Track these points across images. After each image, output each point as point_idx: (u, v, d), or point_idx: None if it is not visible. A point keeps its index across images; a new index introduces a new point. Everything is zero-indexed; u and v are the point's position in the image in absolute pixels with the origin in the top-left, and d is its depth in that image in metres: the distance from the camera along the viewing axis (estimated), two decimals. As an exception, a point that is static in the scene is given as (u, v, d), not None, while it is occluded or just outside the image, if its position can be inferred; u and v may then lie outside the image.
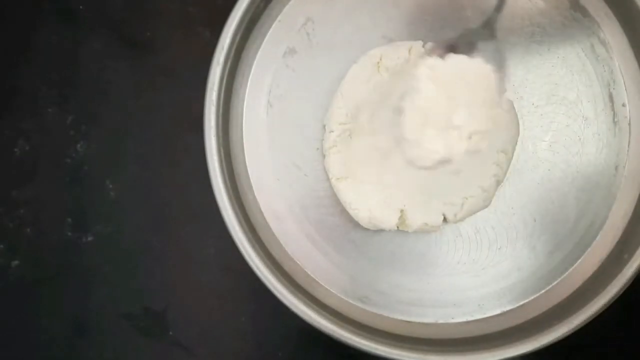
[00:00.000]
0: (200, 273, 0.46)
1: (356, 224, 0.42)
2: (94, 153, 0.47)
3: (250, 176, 0.43)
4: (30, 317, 0.46)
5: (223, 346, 0.46)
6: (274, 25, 0.44)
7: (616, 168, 0.43)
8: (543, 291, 0.42)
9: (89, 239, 0.46)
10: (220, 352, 0.46)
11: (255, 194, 0.43)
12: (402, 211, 0.41)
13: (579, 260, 0.42)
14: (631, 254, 0.39)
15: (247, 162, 0.43)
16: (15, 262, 0.46)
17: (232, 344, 0.46)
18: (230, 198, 0.39)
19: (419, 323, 0.42)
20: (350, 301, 0.42)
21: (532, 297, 0.42)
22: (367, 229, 0.42)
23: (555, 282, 0.42)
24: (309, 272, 0.42)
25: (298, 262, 0.43)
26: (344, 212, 0.42)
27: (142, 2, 0.48)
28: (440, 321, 0.42)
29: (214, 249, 0.46)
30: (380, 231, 0.42)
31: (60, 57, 0.47)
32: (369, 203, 0.41)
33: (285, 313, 0.39)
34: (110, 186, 0.47)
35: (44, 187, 0.47)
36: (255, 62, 0.44)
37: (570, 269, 0.42)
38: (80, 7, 0.48)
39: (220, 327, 0.46)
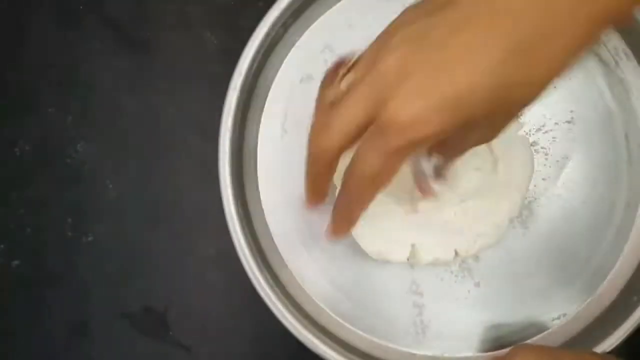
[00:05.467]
0: (200, 273, 0.46)
1: (366, 255, 0.41)
2: (94, 153, 0.47)
3: (262, 202, 0.43)
4: (31, 317, 0.46)
5: (223, 346, 0.46)
6: (291, 52, 0.44)
7: (628, 207, 0.42)
8: (547, 332, 0.42)
9: (89, 239, 0.46)
10: (221, 352, 0.46)
11: (267, 219, 0.43)
12: (413, 246, 0.41)
13: (588, 301, 0.42)
14: None
15: (259, 188, 0.43)
16: (16, 262, 0.46)
17: (233, 344, 0.46)
18: (241, 222, 0.39)
19: (424, 356, 0.42)
20: (356, 330, 0.42)
21: (538, 337, 0.41)
22: (376, 261, 0.41)
23: (561, 323, 0.42)
24: (317, 300, 0.42)
25: (307, 290, 0.42)
26: (354, 243, 0.41)
27: (141, 3, 0.47)
28: (446, 354, 0.42)
29: (214, 249, 0.46)
30: (389, 263, 0.42)
31: (60, 57, 0.47)
32: (380, 236, 0.40)
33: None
34: (111, 186, 0.47)
35: (44, 187, 0.47)
36: (272, 87, 0.43)
37: (579, 309, 0.42)
38: (80, 7, 0.48)
39: (221, 327, 0.46)
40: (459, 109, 0.24)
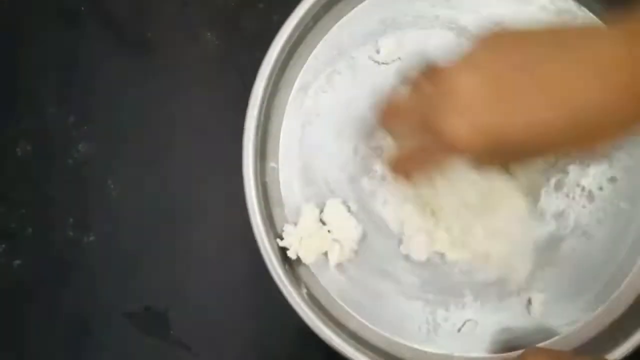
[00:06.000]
0: (201, 272, 0.46)
1: (380, 250, 0.42)
2: (95, 153, 0.47)
3: (283, 197, 0.43)
4: (32, 317, 0.46)
5: (224, 345, 0.46)
6: (319, 45, 0.44)
7: None
8: (556, 338, 0.41)
9: (91, 238, 0.47)
10: (222, 351, 0.46)
11: (285, 211, 0.43)
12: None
13: (599, 310, 0.42)
14: None
15: (280, 174, 0.43)
16: (17, 262, 0.47)
17: (234, 343, 0.46)
18: (262, 217, 0.40)
19: (435, 354, 0.42)
20: (369, 324, 0.42)
21: (547, 342, 0.41)
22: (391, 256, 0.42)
23: (571, 330, 0.42)
24: (331, 293, 0.43)
25: (321, 283, 0.43)
26: (369, 239, 0.42)
27: (142, 3, 0.48)
28: (456, 354, 0.42)
29: (215, 248, 0.46)
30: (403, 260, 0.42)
31: (61, 58, 0.48)
32: None
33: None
34: (112, 186, 0.47)
35: (46, 187, 0.47)
36: (297, 79, 0.44)
37: (589, 317, 0.42)
38: (82, 7, 0.48)
39: (222, 326, 0.46)
40: (493, 142, 0.28)
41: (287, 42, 0.41)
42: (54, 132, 0.47)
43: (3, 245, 0.47)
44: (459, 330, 0.42)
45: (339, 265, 0.42)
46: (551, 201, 0.42)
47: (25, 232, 0.47)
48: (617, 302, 0.42)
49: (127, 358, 0.46)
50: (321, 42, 0.44)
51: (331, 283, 0.43)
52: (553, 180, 0.42)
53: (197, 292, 0.46)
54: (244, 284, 0.46)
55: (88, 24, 0.48)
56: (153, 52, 0.47)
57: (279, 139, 0.44)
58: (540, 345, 0.41)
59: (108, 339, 0.46)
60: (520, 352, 0.36)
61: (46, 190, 0.47)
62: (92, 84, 0.47)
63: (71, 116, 0.47)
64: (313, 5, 0.41)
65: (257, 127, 0.40)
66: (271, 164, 0.43)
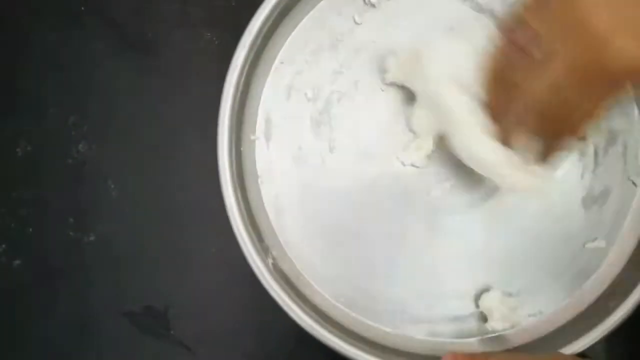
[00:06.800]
0: (201, 272, 0.46)
1: (367, 241, 0.42)
2: (95, 153, 0.47)
3: (262, 194, 0.43)
4: (32, 317, 0.46)
5: (224, 345, 0.46)
6: (304, 21, 0.44)
7: (617, 215, 0.43)
8: (520, 328, 0.42)
9: (91, 238, 0.47)
10: (221, 351, 0.46)
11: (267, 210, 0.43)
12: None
13: (566, 302, 0.42)
14: (618, 303, 0.39)
15: (255, 159, 0.44)
16: (17, 262, 0.47)
17: (233, 343, 0.46)
18: (232, 179, 0.40)
19: (425, 339, 0.42)
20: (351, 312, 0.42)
21: (510, 331, 0.42)
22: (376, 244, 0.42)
23: (535, 320, 0.42)
24: (317, 287, 0.43)
25: (307, 278, 0.43)
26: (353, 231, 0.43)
27: (142, 4, 0.48)
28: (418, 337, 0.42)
29: (215, 248, 0.46)
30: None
31: (61, 58, 0.48)
32: None
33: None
34: (112, 186, 0.47)
35: (46, 187, 0.47)
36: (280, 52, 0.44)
37: (555, 309, 0.42)
38: (82, 8, 0.48)
39: (221, 326, 0.46)
40: None
41: (272, 11, 0.41)
42: (54, 132, 0.47)
43: (3, 245, 0.47)
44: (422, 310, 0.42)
45: (326, 261, 0.42)
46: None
47: (25, 232, 0.47)
48: (583, 296, 0.42)
49: (127, 358, 0.46)
50: (307, 16, 0.44)
51: (319, 278, 0.42)
52: None
53: (197, 292, 0.46)
54: (243, 284, 0.46)
55: (88, 24, 0.48)
56: (153, 52, 0.47)
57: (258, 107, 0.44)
58: (500, 334, 0.41)
59: (107, 338, 0.46)
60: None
61: (46, 190, 0.47)
62: (92, 84, 0.47)
63: (71, 116, 0.47)
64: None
65: (236, 92, 0.40)
66: (250, 137, 0.43)
